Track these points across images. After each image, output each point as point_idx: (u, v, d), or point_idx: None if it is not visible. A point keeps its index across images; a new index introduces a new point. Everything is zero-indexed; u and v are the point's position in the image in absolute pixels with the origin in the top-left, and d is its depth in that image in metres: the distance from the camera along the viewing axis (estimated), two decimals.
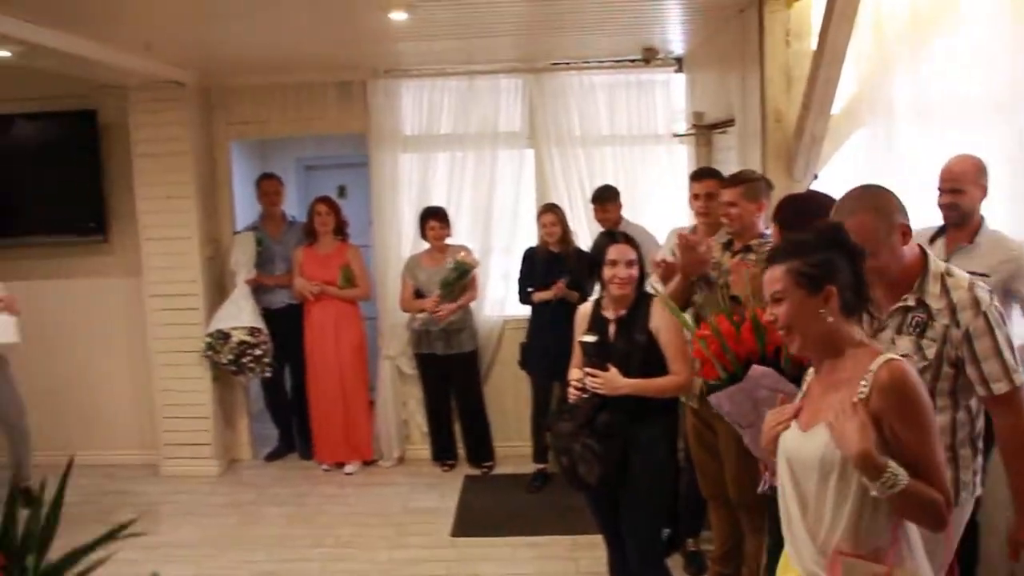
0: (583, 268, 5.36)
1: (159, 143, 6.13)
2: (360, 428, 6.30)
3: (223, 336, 6.01)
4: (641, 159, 6.35)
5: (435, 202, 6.15)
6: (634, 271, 3.53)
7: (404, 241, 6.32)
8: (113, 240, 6.44)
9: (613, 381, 3.43)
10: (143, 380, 6.44)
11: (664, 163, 6.34)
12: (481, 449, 6.28)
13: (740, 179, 3.88)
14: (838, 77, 3.99)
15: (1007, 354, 2.45)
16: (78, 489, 6.00)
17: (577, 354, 3.67)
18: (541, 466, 5.95)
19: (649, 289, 3.72)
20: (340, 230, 6.22)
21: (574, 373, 3.63)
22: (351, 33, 5.18)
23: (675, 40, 5.78)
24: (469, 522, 5.37)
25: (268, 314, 6.21)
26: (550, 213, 5.80)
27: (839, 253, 2.12)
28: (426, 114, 6.34)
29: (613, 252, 3.55)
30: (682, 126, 6.20)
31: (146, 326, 6.32)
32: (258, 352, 6.02)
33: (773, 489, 2.70)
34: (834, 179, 4.24)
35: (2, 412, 5.61)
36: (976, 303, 2.45)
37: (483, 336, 6.30)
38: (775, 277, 2.15)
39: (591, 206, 5.76)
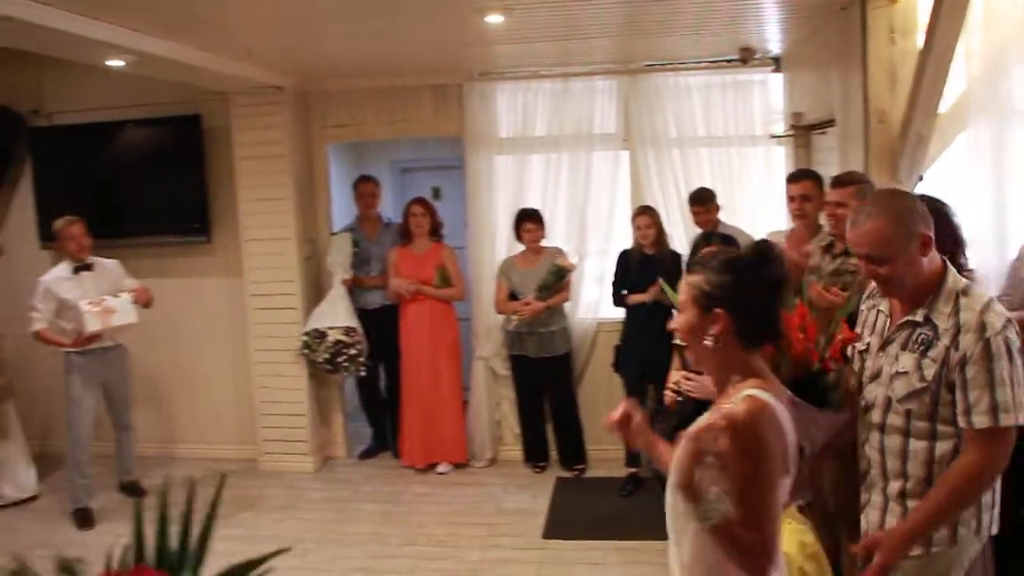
0: (678, 270, 5.37)
1: (259, 146, 6.36)
2: (453, 429, 6.41)
3: (319, 335, 6.20)
4: (738, 161, 6.31)
5: (530, 204, 6.23)
6: None
7: (499, 243, 6.43)
8: (215, 240, 6.70)
9: (708, 385, 3.42)
10: (243, 377, 6.70)
11: (761, 165, 6.27)
12: (573, 451, 6.33)
13: (851, 180, 3.83)
14: (946, 75, 3.92)
15: (1001, 389, 2.28)
16: (180, 481, 6.28)
17: (677, 357, 3.67)
18: (633, 470, 5.96)
19: None
20: (435, 231, 6.37)
21: (674, 376, 3.64)
22: (447, 37, 5.29)
23: (773, 39, 5.73)
24: (560, 524, 5.43)
25: (364, 314, 6.38)
26: (645, 215, 5.81)
27: (750, 280, 2.04)
28: (521, 116, 6.43)
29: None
30: (780, 127, 6.12)
31: (246, 325, 6.57)
32: (353, 352, 6.18)
33: None
34: (940, 181, 4.15)
35: (119, 408, 5.92)
36: (981, 327, 2.31)
37: (577, 338, 6.36)
38: (683, 288, 2.14)
39: (687, 208, 5.74)
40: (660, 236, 5.81)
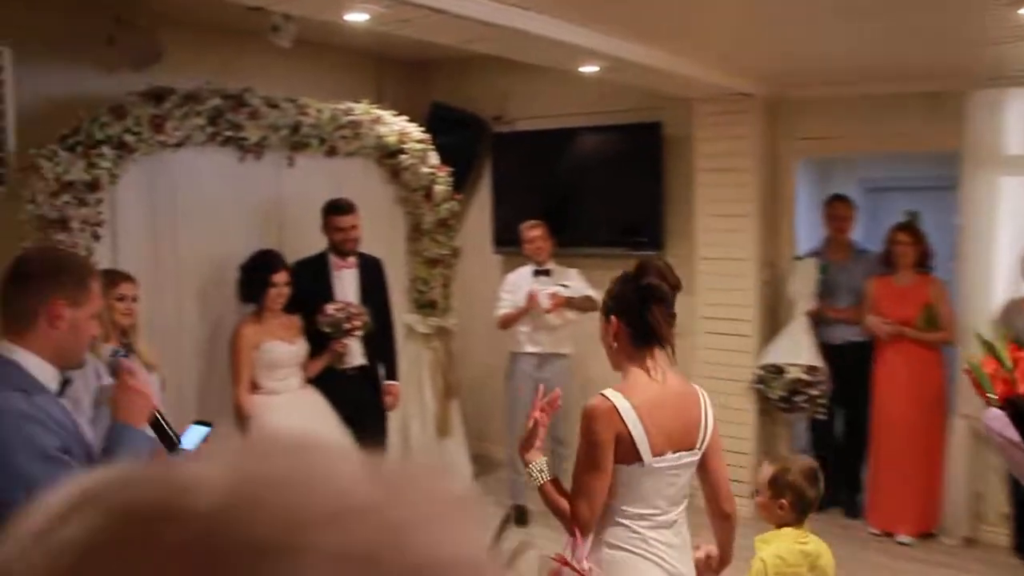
0: None
1: (721, 158, 6.24)
2: (926, 494, 5.74)
3: (776, 371, 5.94)
4: None
5: None
6: None
7: (996, 281, 5.67)
8: (668, 256, 6.50)
9: None
10: None
11: None
12: None
13: None
14: None
15: None
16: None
17: None
18: None
19: None
20: (923, 262, 5.83)
21: None
22: (958, 35, 4.77)
23: None
24: None
25: (827, 350, 5.98)
26: None
27: (629, 290, 2.66)
28: None
29: None
30: None
31: (693, 348, 6.42)
32: (814, 392, 5.84)
33: None
34: None
35: (555, 417, 6.03)
36: None
37: None
38: None
39: None
40: None
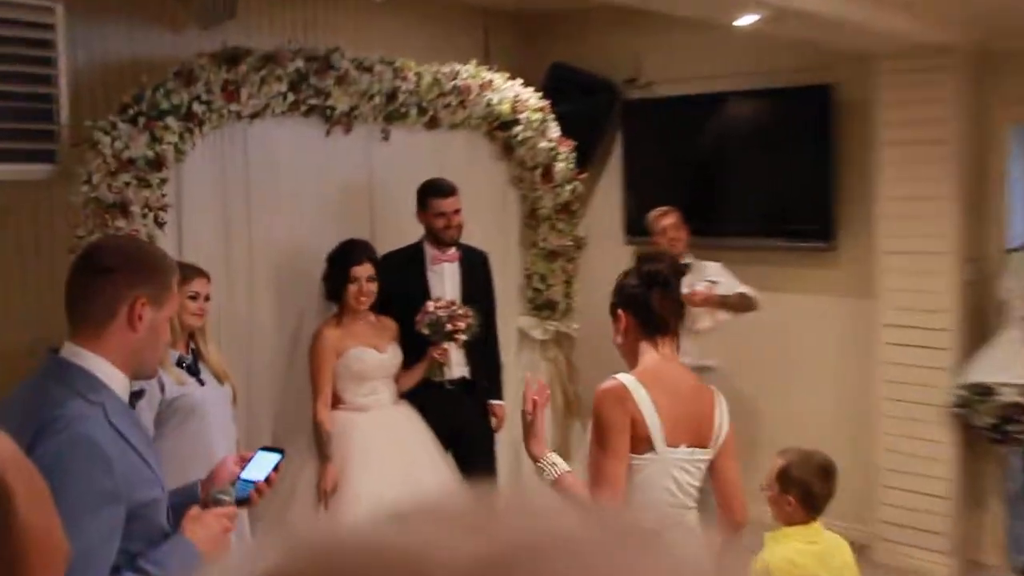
0: None
1: (912, 127, 5.50)
2: None
3: (984, 391, 5.14)
4: None
5: None
6: None
7: None
8: (840, 249, 5.94)
9: None
10: (860, 431, 5.79)
11: None
12: None
13: None
14: None
15: None
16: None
17: None
18: None
19: None
20: None
21: None
22: None
23: None
24: None
25: None
26: None
27: (633, 279, 2.87)
28: None
29: None
30: None
31: (873, 363, 5.70)
32: None
33: None
34: None
35: None
36: None
37: None
38: None
39: None
40: None
